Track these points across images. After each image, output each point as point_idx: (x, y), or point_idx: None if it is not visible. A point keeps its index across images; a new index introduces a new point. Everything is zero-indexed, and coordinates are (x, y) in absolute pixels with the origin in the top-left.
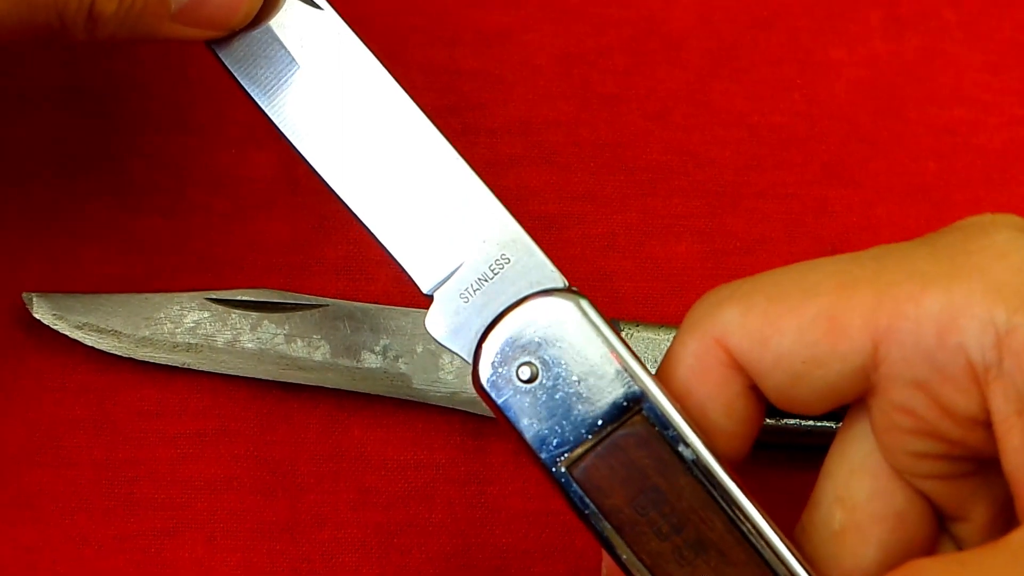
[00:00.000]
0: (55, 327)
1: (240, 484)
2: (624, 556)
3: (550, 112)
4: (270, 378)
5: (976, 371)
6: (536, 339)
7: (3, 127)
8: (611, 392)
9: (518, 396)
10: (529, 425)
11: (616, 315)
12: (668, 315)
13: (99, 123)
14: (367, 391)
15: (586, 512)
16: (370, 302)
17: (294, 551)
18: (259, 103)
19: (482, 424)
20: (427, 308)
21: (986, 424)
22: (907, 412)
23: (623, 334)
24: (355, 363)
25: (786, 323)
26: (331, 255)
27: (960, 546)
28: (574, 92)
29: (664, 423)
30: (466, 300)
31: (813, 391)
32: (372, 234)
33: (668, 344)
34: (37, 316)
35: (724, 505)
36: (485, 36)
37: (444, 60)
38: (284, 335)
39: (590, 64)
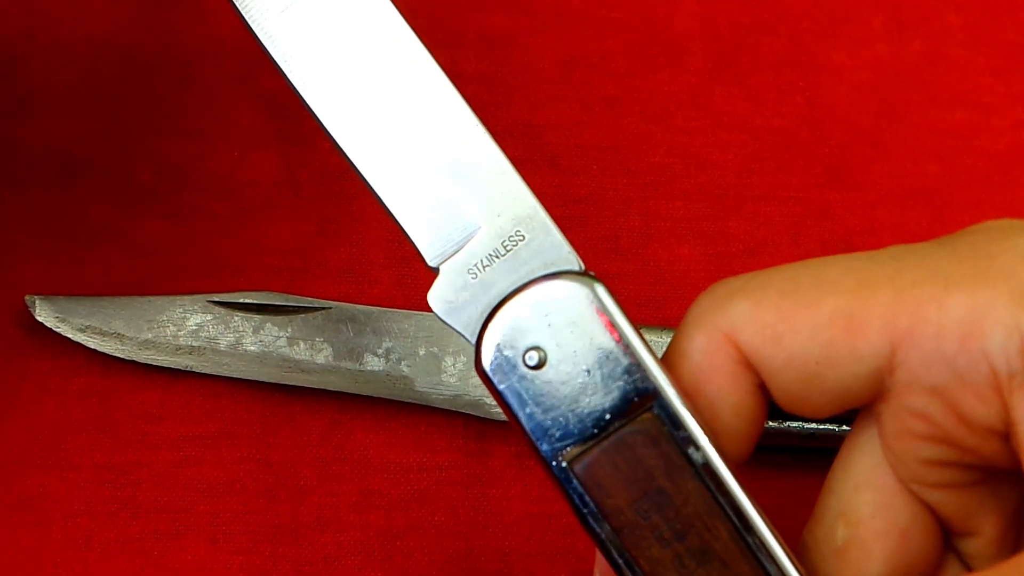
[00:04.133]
0: (58, 330)
1: (243, 487)
2: (621, 560)
3: (552, 115)
4: (273, 381)
5: (999, 379)
6: (546, 324)
7: (6, 131)
8: (622, 386)
9: (522, 383)
10: (531, 414)
11: None
12: (671, 318)
13: (102, 127)
14: (369, 394)
15: (585, 511)
16: (372, 305)
17: (296, 554)
18: (270, 53)
19: (484, 427)
20: (429, 312)
21: (1003, 435)
22: (922, 418)
23: None
24: (357, 366)
25: (801, 320)
26: (333, 258)
27: (967, 563)
28: (576, 95)
29: (676, 423)
30: (474, 276)
31: (824, 393)
32: (378, 197)
33: None
34: (40, 319)
35: (731, 514)
36: (488, 40)
37: (446, 63)
38: (287, 338)
39: (592, 67)
